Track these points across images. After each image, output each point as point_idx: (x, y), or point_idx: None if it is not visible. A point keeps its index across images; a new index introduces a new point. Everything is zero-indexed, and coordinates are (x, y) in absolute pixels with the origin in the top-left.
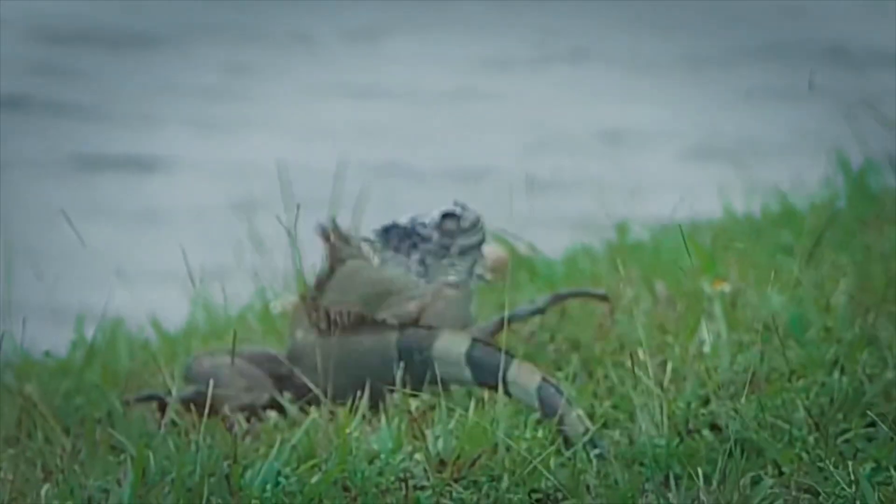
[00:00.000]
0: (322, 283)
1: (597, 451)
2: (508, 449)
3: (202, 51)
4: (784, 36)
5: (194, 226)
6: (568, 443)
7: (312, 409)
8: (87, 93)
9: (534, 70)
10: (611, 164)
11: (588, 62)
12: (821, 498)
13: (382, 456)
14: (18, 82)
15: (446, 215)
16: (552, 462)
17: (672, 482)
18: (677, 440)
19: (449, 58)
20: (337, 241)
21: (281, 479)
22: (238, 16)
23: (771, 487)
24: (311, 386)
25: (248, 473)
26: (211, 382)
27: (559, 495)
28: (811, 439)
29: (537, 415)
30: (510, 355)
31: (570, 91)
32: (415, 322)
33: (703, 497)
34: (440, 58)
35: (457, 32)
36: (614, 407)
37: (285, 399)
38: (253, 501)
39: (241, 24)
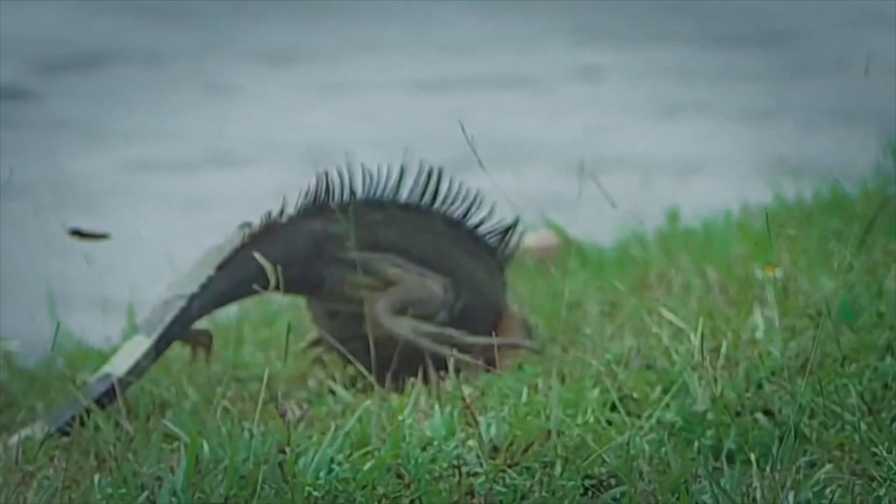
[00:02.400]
0: None
1: None
2: (560, 435)
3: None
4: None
5: (245, 215)
6: None
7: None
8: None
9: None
10: (664, 147)
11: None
12: (874, 483)
13: (435, 443)
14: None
15: None
16: (605, 448)
17: (725, 467)
18: (728, 421)
19: (500, 40)
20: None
21: (334, 466)
22: None
23: (825, 472)
24: (364, 372)
25: (302, 461)
26: None
27: (612, 481)
28: (864, 424)
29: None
30: None
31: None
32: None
33: (756, 482)
34: (491, 41)
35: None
36: (665, 391)
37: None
38: (306, 489)
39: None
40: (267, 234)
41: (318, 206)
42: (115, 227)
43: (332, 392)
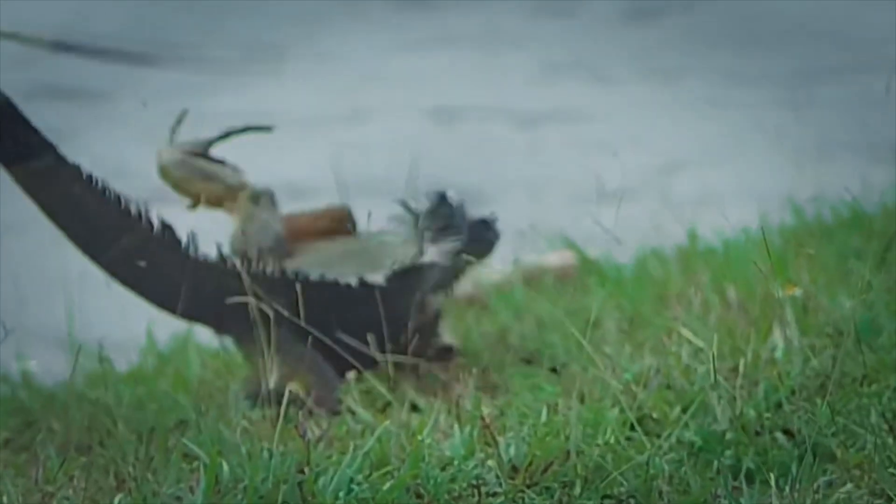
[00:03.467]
0: None
1: None
2: (580, 455)
3: None
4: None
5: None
6: None
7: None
8: None
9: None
10: (684, 171)
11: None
12: (894, 503)
13: (455, 462)
14: None
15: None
16: (624, 467)
17: (744, 487)
18: (747, 440)
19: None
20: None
21: (354, 486)
22: None
23: (845, 492)
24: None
25: (321, 481)
26: None
27: (632, 501)
28: (884, 443)
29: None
30: None
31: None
32: None
33: (775, 502)
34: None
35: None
36: (684, 410)
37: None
38: None
39: None
40: None
41: None
42: None
43: (352, 412)
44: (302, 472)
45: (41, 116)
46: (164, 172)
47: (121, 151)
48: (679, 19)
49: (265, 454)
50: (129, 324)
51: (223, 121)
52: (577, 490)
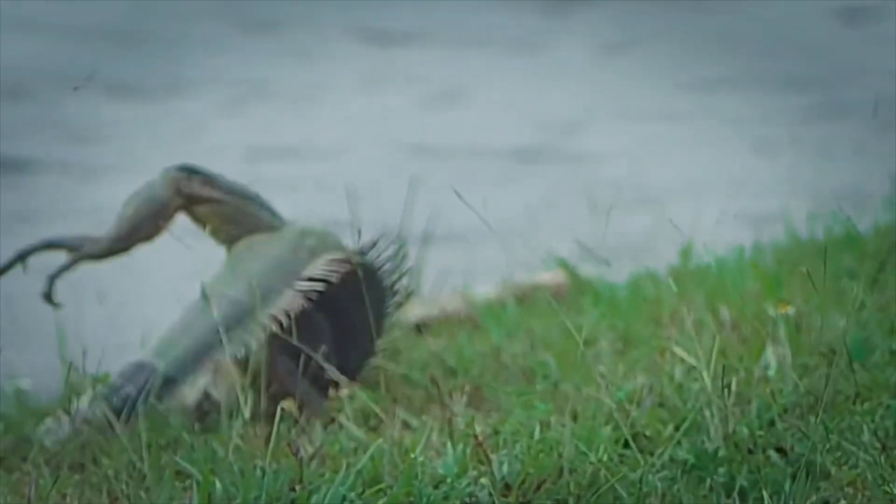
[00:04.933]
0: None
1: None
2: (573, 472)
3: None
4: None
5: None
6: None
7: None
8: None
9: None
10: (673, 189)
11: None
12: None
13: (448, 480)
14: None
15: None
16: (617, 484)
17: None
18: (740, 458)
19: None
20: None
21: (346, 503)
22: None
23: None
24: None
25: (314, 498)
26: None
27: None
28: (877, 462)
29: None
30: None
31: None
32: None
33: None
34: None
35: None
36: (677, 428)
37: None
38: None
39: None
40: None
41: None
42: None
43: (342, 427)
44: (294, 489)
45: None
46: None
47: None
48: (660, 46)
49: (258, 472)
50: (121, 337)
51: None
52: None
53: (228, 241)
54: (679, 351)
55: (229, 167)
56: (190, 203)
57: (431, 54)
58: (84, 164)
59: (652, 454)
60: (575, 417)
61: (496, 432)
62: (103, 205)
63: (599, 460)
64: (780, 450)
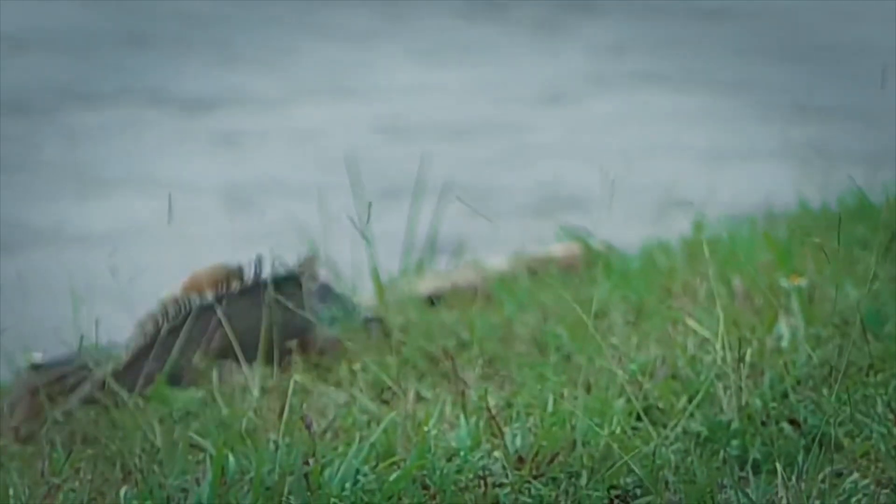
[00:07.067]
0: None
1: None
2: (586, 445)
3: None
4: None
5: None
6: None
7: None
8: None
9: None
10: (687, 159)
11: None
12: None
13: (461, 453)
14: None
15: None
16: (630, 457)
17: (750, 476)
18: (753, 430)
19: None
20: None
21: (360, 477)
22: None
23: (851, 481)
24: None
25: (327, 472)
26: None
27: (638, 491)
28: (891, 433)
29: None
30: None
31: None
32: None
33: (781, 491)
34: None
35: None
36: (690, 400)
37: (363, 396)
38: (332, 500)
39: None
40: None
41: None
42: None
43: (355, 400)
44: (308, 463)
45: None
46: None
47: None
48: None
49: (271, 446)
50: (133, 309)
51: None
52: (584, 480)
53: None
54: (692, 322)
55: None
56: None
57: None
58: None
59: (665, 426)
60: (588, 390)
61: (509, 405)
62: None
63: (612, 433)
64: (793, 422)
